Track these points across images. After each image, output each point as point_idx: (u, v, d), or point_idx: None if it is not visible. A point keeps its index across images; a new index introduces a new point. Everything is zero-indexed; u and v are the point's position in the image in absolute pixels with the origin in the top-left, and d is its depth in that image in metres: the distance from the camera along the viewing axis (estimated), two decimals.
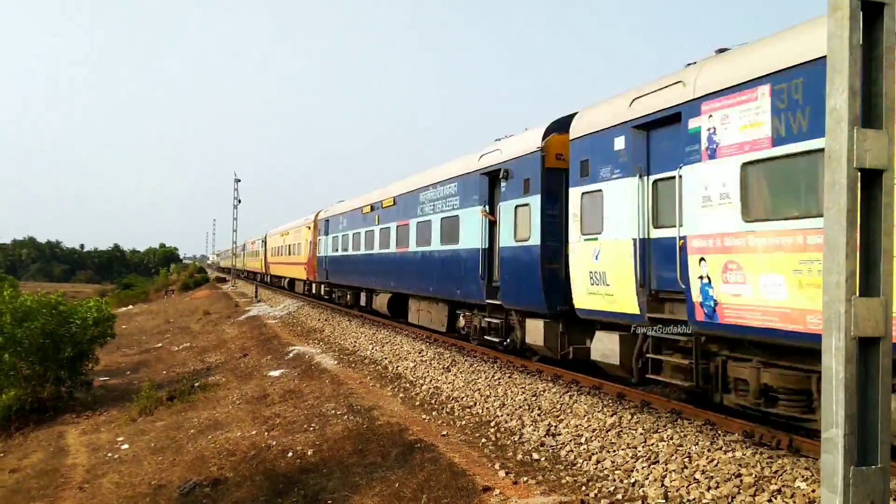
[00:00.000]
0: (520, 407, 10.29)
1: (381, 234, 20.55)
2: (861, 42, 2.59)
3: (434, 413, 10.94)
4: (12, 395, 16.80)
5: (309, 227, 32.84)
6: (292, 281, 40.77)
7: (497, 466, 7.88)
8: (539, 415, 9.76)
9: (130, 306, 55.82)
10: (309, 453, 9.74)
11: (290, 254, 39.32)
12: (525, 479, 7.42)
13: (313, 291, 33.26)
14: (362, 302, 23.93)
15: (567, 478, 7.42)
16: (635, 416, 8.83)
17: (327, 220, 28.77)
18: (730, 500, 6.24)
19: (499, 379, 12.03)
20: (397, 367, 15.01)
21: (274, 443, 10.53)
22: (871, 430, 2.65)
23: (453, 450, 8.71)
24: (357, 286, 24.56)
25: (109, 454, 12.90)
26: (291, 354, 18.73)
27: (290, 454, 9.87)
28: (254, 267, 63.96)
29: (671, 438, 7.84)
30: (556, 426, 9.17)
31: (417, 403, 11.73)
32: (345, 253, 25.33)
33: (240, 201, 52.51)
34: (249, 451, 10.41)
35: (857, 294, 2.58)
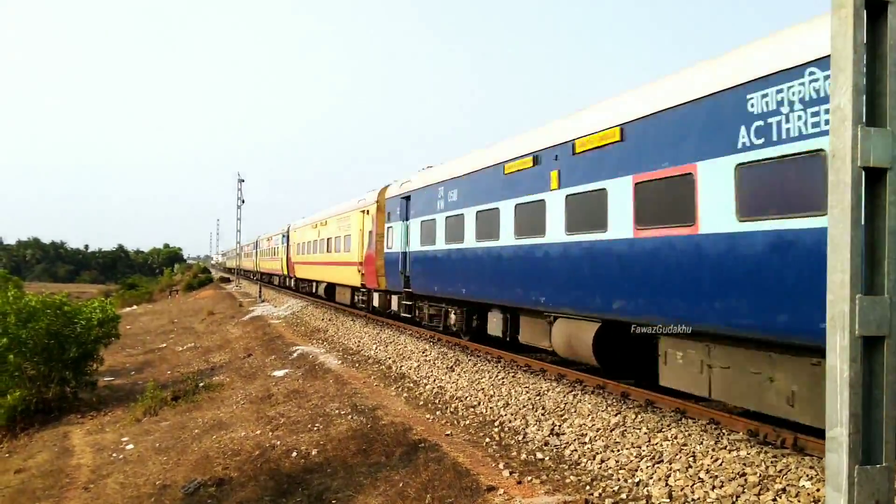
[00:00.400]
0: (524, 406, 10.29)
1: (569, 208, 10.56)
2: (865, 41, 2.59)
3: (438, 413, 10.94)
4: (17, 396, 16.86)
5: (365, 212, 22.86)
6: (331, 287, 30.54)
7: (501, 466, 7.89)
8: (543, 414, 9.75)
9: (135, 306, 55.97)
10: (313, 453, 9.76)
11: (328, 250, 29.05)
12: (529, 478, 7.42)
13: (375, 304, 22.60)
14: (493, 329, 14.17)
15: (571, 477, 7.42)
16: (639, 416, 8.82)
17: (407, 198, 18.57)
18: (734, 499, 6.23)
19: (503, 378, 12.02)
20: (401, 367, 15.02)
21: (278, 442, 10.55)
22: (875, 429, 2.64)
23: (457, 449, 8.71)
24: (482, 302, 14.26)
25: (114, 454, 12.93)
26: (295, 354, 18.76)
27: (295, 454, 9.89)
28: (271, 268, 53.79)
29: (675, 437, 7.83)
30: (560, 426, 9.16)
31: (421, 403, 11.74)
32: (452, 246, 15.15)
33: (243, 201, 52.57)
34: (254, 451, 10.43)
35: (862, 293, 2.58)
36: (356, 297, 25.69)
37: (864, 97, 2.59)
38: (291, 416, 12.05)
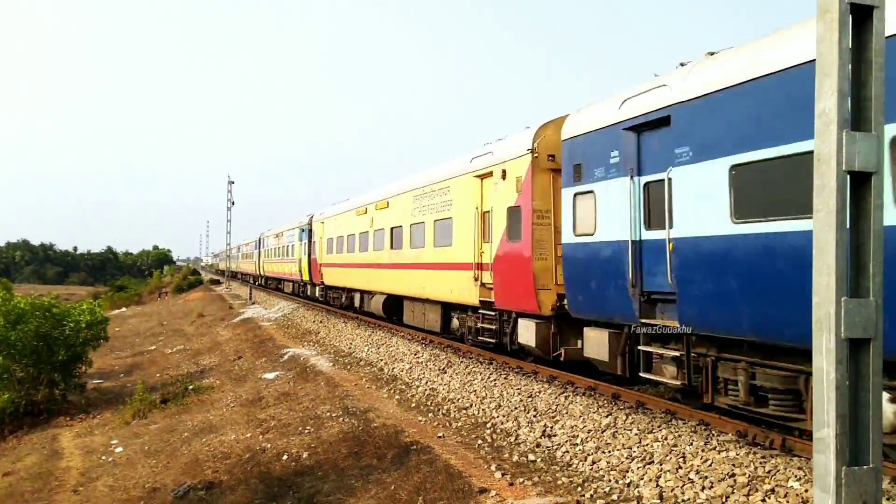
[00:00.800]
0: (516, 408, 10.30)
1: None
2: (850, 45, 2.62)
3: (430, 415, 10.94)
4: (6, 398, 16.76)
5: (495, 175, 13.07)
6: (395, 301, 20.35)
7: (493, 468, 7.90)
8: (535, 416, 9.77)
9: (123, 309, 55.63)
10: (304, 456, 9.73)
11: (392, 246, 19.68)
12: (521, 480, 7.43)
13: (526, 341, 12.15)
14: None
15: (563, 479, 7.44)
16: (630, 417, 8.85)
17: (654, 124, 8.69)
18: (724, 499, 6.26)
19: (495, 380, 12.03)
20: (393, 369, 15.00)
21: (269, 445, 10.51)
22: (862, 430, 2.66)
23: (449, 451, 8.71)
24: None
25: (103, 457, 12.85)
26: (286, 357, 18.70)
27: (285, 457, 9.85)
28: (282, 271, 41.63)
29: (666, 439, 7.87)
30: (551, 427, 9.18)
31: (413, 405, 11.73)
32: None
33: (233, 203, 52.35)
34: (244, 454, 10.39)
35: (847, 295, 2.60)
36: (461, 323, 15.64)
37: (850, 101, 2.62)
38: (282, 418, 12.01)
